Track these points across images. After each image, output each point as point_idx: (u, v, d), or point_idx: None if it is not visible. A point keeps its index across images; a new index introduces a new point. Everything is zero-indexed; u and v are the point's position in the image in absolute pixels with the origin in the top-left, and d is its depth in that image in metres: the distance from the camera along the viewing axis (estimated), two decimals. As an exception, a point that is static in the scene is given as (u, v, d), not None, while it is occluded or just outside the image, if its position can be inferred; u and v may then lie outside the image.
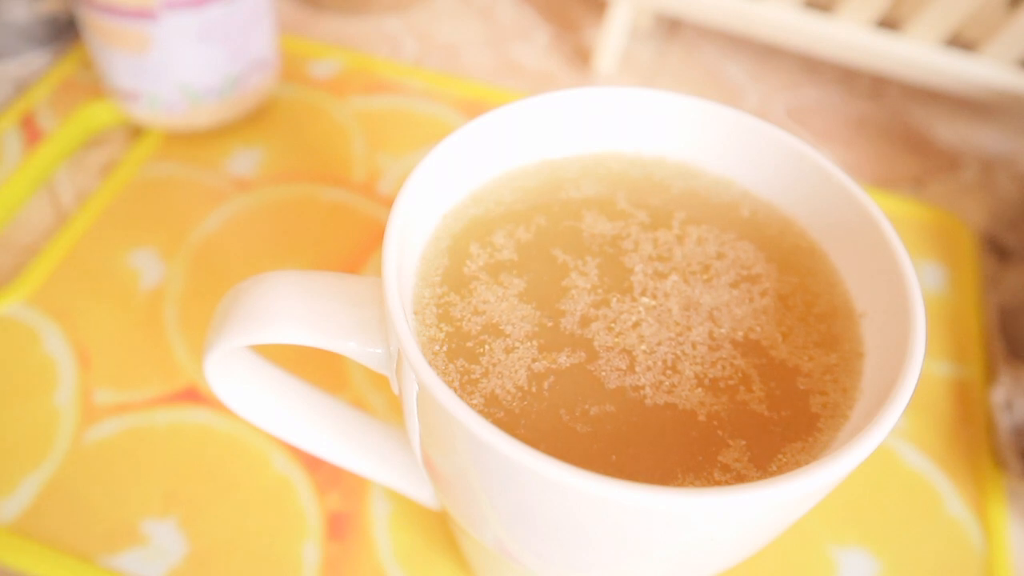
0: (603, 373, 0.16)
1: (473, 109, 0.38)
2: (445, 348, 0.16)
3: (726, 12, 0.37)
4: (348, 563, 0.24)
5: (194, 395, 0.27)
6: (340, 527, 0.25)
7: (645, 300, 0.17)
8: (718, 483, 0.14)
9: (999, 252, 0.35)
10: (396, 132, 0.36)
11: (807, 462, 0.14)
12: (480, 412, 0.15)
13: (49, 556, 0.23)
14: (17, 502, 0.25)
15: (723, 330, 0.17)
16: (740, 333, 0.16)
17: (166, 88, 0.32)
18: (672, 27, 0.45)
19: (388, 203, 0.33)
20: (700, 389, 0.15)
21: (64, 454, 0.26)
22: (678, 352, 0.16)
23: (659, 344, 0.16)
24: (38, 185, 0.33)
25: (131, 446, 0.26)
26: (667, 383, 0.16)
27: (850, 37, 0.35)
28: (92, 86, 0.36)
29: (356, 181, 0.34)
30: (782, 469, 0.14)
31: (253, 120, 0.36)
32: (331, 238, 0.32)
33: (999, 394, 0.28)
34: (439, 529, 0.25)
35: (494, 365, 0.16)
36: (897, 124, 0.41)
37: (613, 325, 0.16)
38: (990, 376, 0.30)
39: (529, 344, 0.16)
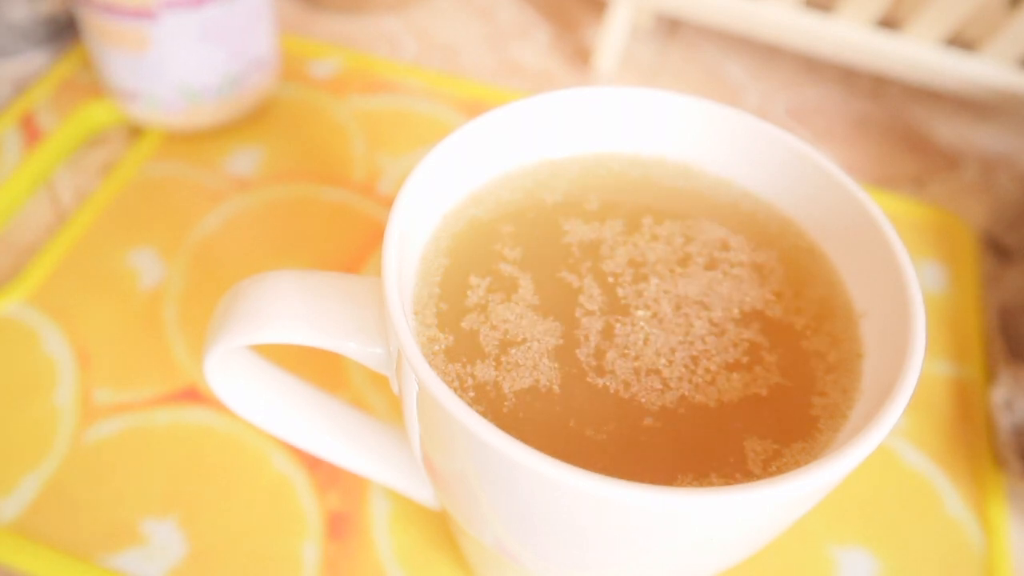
0: (601, 370, 0.16)
1: (473, 109, 0.38)
2: (445, 348, 0.16)
3: (726, 12, 0.37)
4: (348, 563, 0.24)
5: (194, 395, 0.27)
6: (340, 527, 0.25)
7: (647, 293, 0.17)
8: (718, 483, 0.14)
9: (999, 252, 0.35)
10: (396, 132, 0.36)
11: (807, 462, 0.14)
12: (480, 412, 0.15)
13: (48, 556, 0.23)
14: (17, 502, 0.25)
15: (722, 332, 0.16)
16: (739, 334, 0.16)
17: (165, 88, 0.32)
18: (672, 27, 0.45)
19: (388, 203, 0.33)
20: (698, 391, 0.15)
21: (64, 454, 0.26)
22: (675, 358, 0.16)
23: (660, 346, 0.16)
24: (38, 185, 0.33)
25: (131, 446, 0.26)
26: (664, 385, 0.16)
27: (850, 37, 0.35)
28: (92, 86, 0.36)
29: (356, 181, 0.34)
30: (782, 469, 0.14)
31: (253, 120, 0.36)
32: (331, 238, 0.32)
33: (999, 394, 0.28)
34: (439, 529, 0.25)
35: (495, 366, 0.16)
36: (897, 124, 0.40)
37: (613, 322, 0.16)
38: (990, 376, 0.30)
39: (529, 344, 0.16)
